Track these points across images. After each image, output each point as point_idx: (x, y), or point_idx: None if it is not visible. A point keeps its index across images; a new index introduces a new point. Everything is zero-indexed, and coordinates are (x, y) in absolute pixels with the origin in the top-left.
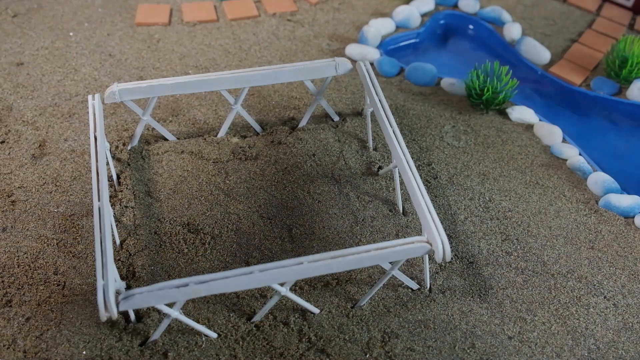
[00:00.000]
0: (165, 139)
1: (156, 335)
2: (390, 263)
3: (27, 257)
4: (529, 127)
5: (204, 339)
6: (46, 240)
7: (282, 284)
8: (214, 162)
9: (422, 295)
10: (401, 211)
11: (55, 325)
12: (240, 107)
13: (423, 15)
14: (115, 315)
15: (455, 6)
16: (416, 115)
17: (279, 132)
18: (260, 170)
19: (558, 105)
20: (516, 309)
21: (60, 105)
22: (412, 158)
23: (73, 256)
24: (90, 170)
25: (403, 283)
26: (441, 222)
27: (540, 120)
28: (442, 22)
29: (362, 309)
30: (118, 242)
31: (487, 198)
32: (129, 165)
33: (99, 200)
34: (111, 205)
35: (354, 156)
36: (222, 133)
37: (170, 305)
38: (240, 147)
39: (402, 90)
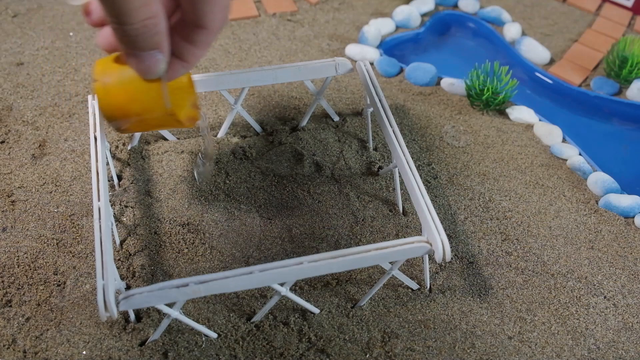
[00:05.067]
0: (165, 139)
1: (156, 335)
2: (390, 263)
3: (27, 257)
4: (529, 127)
5: (204, 339)
6: (46, 240)
7: (282, 284)
8: (213, 162)
9: (422, 295)
10: (401, 211)
11: (55, 325)
12: (240, 107)
13: (423, 15)
14: (115, 315)
15: (455, 6)
16: (416, 115)
17: (279, 132)
18: (260, 170)
19: (558, 105)
20: (516, 309)
21: (60, 105)
22: (412, 158)
23: (73, 256)
24: (90, 170)
25: (403, 283)
26: (441, 222)
27: (540, 120)
28: (442, 21)
29: (362, 309)
30: (118, 242)
31: (487, 198)
32: (129, 165)
33: (99, 200)
34: (111, 205)
35: (354, 156)
36: (222, 133)
37: (170, 305)
38: (240, 147)
39: (402, 90)
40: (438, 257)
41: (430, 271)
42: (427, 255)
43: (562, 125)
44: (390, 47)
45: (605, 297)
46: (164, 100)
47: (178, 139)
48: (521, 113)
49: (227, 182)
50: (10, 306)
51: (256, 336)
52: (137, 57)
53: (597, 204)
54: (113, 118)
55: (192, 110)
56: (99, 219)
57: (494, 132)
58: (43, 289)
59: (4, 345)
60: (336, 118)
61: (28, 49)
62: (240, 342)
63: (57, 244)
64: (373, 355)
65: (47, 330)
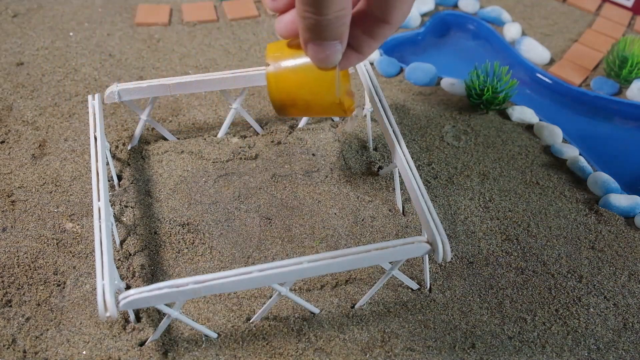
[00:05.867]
0: (165, 139)
1: (156, 335)
2: (390, 263)
3: (27, 257)
4: (529, 127)
5: (204, 339)
6: (46, 240)
7: (282, 284)
8: (213, 162)
9: (422, 295)
10: (401, 211)
11: (55, 325)
12: (240, 107)
13: (423, 15)
14: (115, 315)
15: (455, 6)
16: (416, 115)
17: (279, 132)
18: (260, 170)
19: (558, 105)
20: (516, 309)
21: (60, 105)
22: (412, 158)
23: (73, 256)
24: (90, 170)
25: (403, 283)
26: (441, 222)
27: (540, 120)
28: (442, 21)
29: (362, 309)
30: (118, 242)
31: (487, 198)
32: (129, 165)
33: (99, 200)
34: (111, 205)
35: (354, 156)
36: (222, 133)
37: (170, 305)
38: (240, 147)
39: (402, 90)
40: (438, 257)
41: (430, 271)
42: (427, 255)
43: (562, 125)
44: (390, 47)
45: (605, 297)
46: (332, 88)
47: (178, 139)
48: (521, 113)
49: (227, 182)
50: (10, 306)
51: (256, 336)
52: (318, 46)
53: (597, 204)
54: (280, 102)
55: (348, 98)
56: (99, 219)
57: (494, 132)
58: (43, 289)
59: (4, 345)
60: (336, 118)
61: (28, 49)
62: (240, 342)
63: (57, 244)
64: (373, 355)
65: (47, 330)
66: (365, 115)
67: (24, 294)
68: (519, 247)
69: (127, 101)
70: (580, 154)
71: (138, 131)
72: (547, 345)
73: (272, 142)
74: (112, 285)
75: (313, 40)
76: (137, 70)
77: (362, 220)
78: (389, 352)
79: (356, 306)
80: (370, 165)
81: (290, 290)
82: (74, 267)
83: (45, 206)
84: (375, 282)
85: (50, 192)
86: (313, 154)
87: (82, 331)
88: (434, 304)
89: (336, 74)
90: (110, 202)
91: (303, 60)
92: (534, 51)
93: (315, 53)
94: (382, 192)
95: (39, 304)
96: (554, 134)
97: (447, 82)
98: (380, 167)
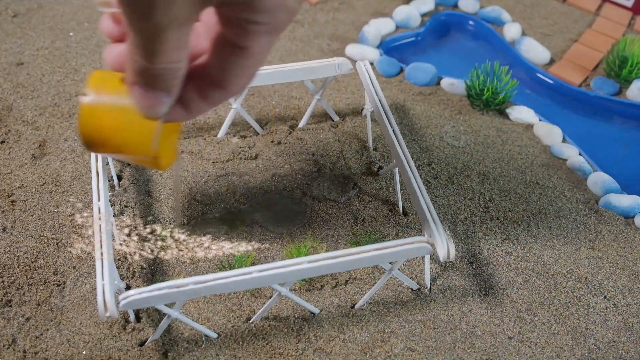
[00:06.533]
0: None
1: (156, 335)
2: (390, 263)
3: (27, 257)
4: (529, 127)
5: (204, 339)
6: (46, 240)
7: (282, 284)
8: (213, 162)
9: (422, 295)
10: (401, 211)
11: (55, 325)
12: (240, 107)
13: (423, 15)
14: (115, 315)
15: (455, 6)
16: (416, 115)
17: (279, 132)
18: (260, 170)
19: (558, 105)
20: (516, 309)
21: (60, 105)
22: (412, 158)
23: (73, 256)
24: (90, 170)
25: (403, 283)
26: (441, 222)
27: (540, 120)
28: (442, 21)
29: (362, 309)
30: (118, 242)
31: (487, 198)
32: (129, 165)
33: (99, 200)
34: (111, 205)
35: (354, 156)
36: (222, 133)
37: (170, 305)
38: (240, 147)
39: (402, 90)
40: (442, 256)
41: (430, 271)
42: (427, 256)
43: (562, 125)
44: (390, 47)
45: (605, 297)
46: (150, 141)
47: (178, 139)
48: (521, 113)
49: (228, 182)
50: (10, 306)
51: (256, 336)
52: (144, 92)
53: (597, 204)
54: (90, 139)
55: (171, 152)
56: (99, 219)
57: (494, 132)
58: (43, 289)
59: (4, 345)
60: (336, 118)
61: (28, 49)
62: (240, 342)
63: (57, 244)
64: (373, 355)
65: (47, 330)
66: (366, 116)
67: (24, 294)
68: (519, 247)
69: None
70: (580, 154)
71: None
72: (547, 345)
73: (272, 142)
74: (112, 285)
75: (139, 85)
76: None
77: (362, 220)
78: (389, 352)
79: (356, 306)
80: (370, 165)
81: (290, 290)
82: (74, 267)
83: (45, 206)
84: (375, 282)
85: (50, 192)
86: (313, 154)
87: (82, 331)
88: (434, 304)
89: (157, 127)
90: (110, 202)
91: (125, 101)
92: (534, 51)
93: (139, 98)
94: (382, 192)
95: (39, 304)
96: (554, 134)
97: (447, 82)
98: (380, 167)
